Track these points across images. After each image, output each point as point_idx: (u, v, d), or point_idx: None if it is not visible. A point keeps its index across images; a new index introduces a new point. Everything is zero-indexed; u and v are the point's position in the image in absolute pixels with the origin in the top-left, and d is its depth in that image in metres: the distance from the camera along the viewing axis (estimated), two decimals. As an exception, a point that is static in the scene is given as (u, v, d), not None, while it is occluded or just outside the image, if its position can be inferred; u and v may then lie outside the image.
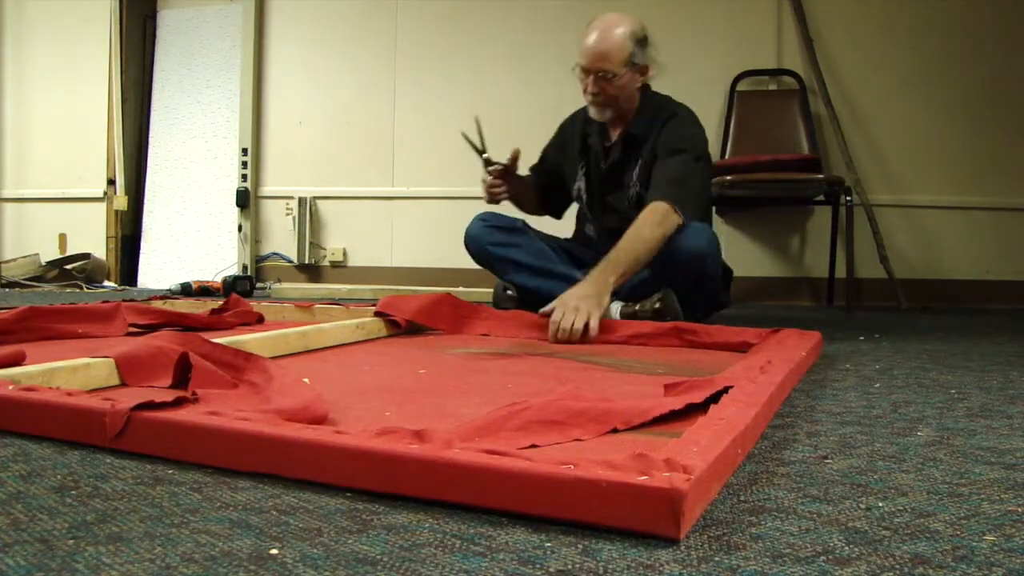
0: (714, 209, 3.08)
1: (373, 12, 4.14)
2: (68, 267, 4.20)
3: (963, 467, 0.81)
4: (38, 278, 4.10)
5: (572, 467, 0.62)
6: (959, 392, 1.25)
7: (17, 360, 1.15)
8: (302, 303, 2.28)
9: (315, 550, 0.56)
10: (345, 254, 4.19)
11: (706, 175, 2.27)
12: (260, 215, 4.30)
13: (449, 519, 0.63)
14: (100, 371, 1.13)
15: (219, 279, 3.66)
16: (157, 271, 4.41)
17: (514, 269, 2.22)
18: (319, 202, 4.21)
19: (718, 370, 1.20)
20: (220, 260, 4.32)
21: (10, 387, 0.93)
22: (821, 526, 0.62)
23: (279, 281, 4.00)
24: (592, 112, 2.19)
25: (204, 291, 3.43)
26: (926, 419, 1.04)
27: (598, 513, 0.60)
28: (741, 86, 3.63)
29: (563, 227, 2.49)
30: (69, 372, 1.08)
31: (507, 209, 2.34)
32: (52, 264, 4.21)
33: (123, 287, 4.23)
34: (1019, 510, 0.67)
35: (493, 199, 2.27)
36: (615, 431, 0.88)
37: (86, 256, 4.28)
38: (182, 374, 1.09)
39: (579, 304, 1.80)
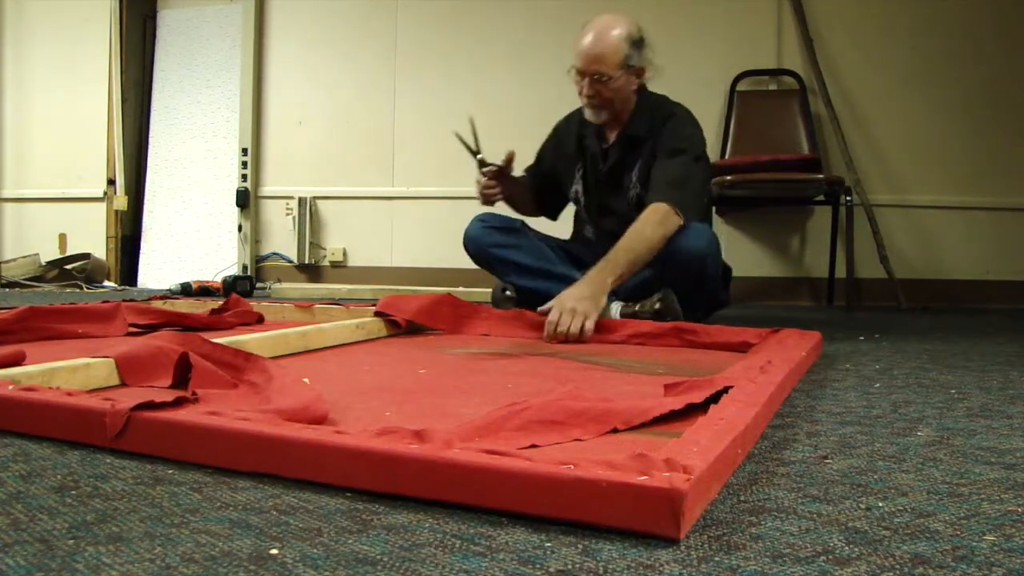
0: (714, 209, 3.08)
1: (373, 12, 4.14)
2: (68, 267, 4.20)
3: (963, 467, 0.81)
4: (38, 278, 4.10)
5: (572, 467, 0.62)
6: (959, 392, 1.25)
7: (17, 360, 1.15)
8: (302, 303, 2.28)
9: (315, 550, 0.56)
10: (345, 254, 4.19)
11: (706, 175, 2.27)
12: (260, 215, 4.30)
13: (449, 519, 0.63)
14: (100, 371, 1.13)
15: (219, 279, 3.66)
16: (157, 271, 4.41)
17: (513, 270, 2.21)
18: (319, 202, 4.21)
19: (718, 370, 1.20)
20: (220, 260, 4.32)
21: (10, 387, 0.93)
22: (821, 526, 0.62)
23: (279, 281, 4.00)
24: (588, 114, 2.18)
25: (204, 291, 3.43)
26: (926, 419, 1.04)
27: (598, 513, 0.60)
28: (741, 86, 3.63)
29: (561, 228, 2.49)
30: (69, 372, 1.08)
31: (502, 210, 2.34)
32: (52, 264, 4.21)
33: (123, 287, 4.23)
34: (1019, 510, 0.67)
35: (487, 200, 2.26)
36: (615, 431, 0.88)
37: (86, 256, 4.28)
38: (182, 374, 1.09)
39: (576, 305, 1.80)
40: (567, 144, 2.33)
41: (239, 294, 2.59)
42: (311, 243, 4.19)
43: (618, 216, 2.15)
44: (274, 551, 0.56)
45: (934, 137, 3.54)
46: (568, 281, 1.93)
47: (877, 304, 3.44)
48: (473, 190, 2.30)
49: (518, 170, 2.28)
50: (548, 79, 3.67)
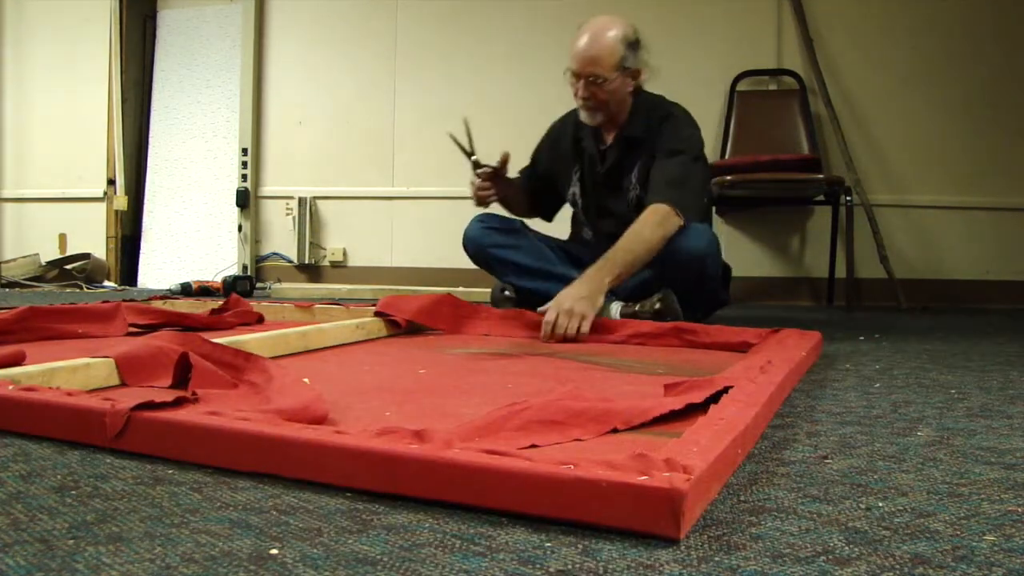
0: (714, 209, 3.08)
1: (373, 12, 4.14)
2: (68, 267, 4.20)
3: (963, 467, 0.81)
4: (38, 278, 4.10)
5: (572, 467, 0.62)
6: (959, 392, 1.25)
7: (17, 360, 1.15)
8: (302, 303, 2.28)
9: (315, 550, 0.56)
10: (345, 254, 4.19)
11: (705, 175, 2.26)
12: (260, 215, 4.30)
13: (449, 519, 0.63)
14: (100, 371, 1.13)
15: (219, 279, 3.66)
16: (157, 271, 4.41)
17: (513, 270, 2.21)
18: (319, 202, 4.21)
19: (718, 370, 1.20)
20: (220, 260, 4.32)
21: (10, 387, 0.93)
22: (821, 526, 0.62)
23: (279, 281, 4.00)
24: (583, 116, 2.17)
25: (204, 291, 3.43)
26: (926, 419, 1.04)
27: (598, 513, 0.60)
28: (741, 86, 3.63)
29: (560, 229, 2.49)
30: (69, 372, 1.08)
31: (497, 211, 2.33)
32: (52, 264, 4.21)
33: (123, 287, 4.23)
34: (1019, 510, 0.67)
35: (481, 202, 2.24)
36: (615, 431, 0.88)
37: (86, 256, 4.28)
38: (182, 374, 1.09)
39: (573, 306, 1.80)
40: (563, 146, 2.32)
41: (239, 294, 2.59)
42: (311, 243, 4.19)
43: (616, 218, 2.14)
44: (274, 551, 0.56)
45: (934, 137, 3.54)
46: (567, 281, 1.93)
47: (877, 304, 3.44)
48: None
49: (512, 171, 2.27)
50: (548, 79, 3.65)
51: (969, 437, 0.94)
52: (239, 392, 1.01)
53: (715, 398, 0.95)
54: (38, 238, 4.51)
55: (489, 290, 2.34)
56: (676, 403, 0.95)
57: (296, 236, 4.18)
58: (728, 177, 2.98)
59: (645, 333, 1.77)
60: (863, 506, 0.68)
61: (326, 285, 3.94)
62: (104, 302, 1.93)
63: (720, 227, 3.54)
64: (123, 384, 1.14)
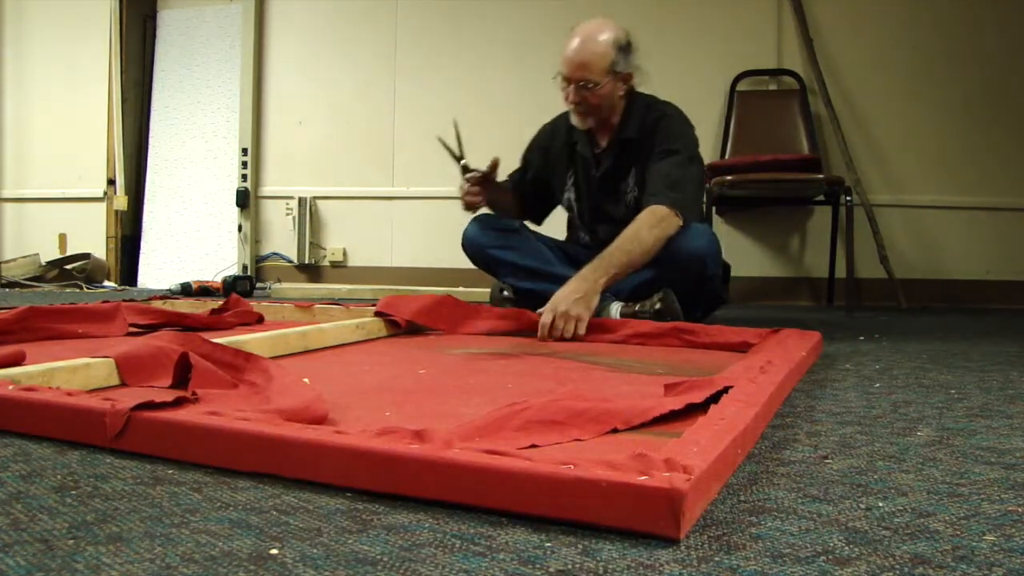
0: (714, 209, 3.08)
1: (373, 12, 4.14)
2: (68, 267, 4.20)
3: (963, 467, 0.81)
4: (38, 278, 4.10)
5: (572, 467, 0.62)
6: (959, 392, 1.25)
7: (17, 360, 1.15)
8: (302, 303, 2.28)
9: (315, 550, 0.56)
10: (345, 254, 4.19)
11: (700, 175, 2.26)
12: (260, 215, 4.30)
13: (449, 519, 0.63)
14: (100, 371, 1.13)
15: (219, 279, 3.66)
16: (157, 271, 4.41)
17: (512, 270, 2.20)
18: (319, 202, 4.21)
19: (718, 370, 1.20)
20: (220, 260, 4.32)
21: (10, 387, 0.93)
22: (821, 526, 0.62)
23: (279, 281, 4.00)
24: (574, 120, 2.16)
25: (204, 291, 3.43)
26: (926, 419, 1.04)
27: (598, 513, 0.60)
28: (741, 86, 3.63)
29: (558, 230, 2.48)
30: (69, 372, 1.08)
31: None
32: (52, 264, 4.21)
33: (123, 287, 4.23)
34: (1019, 510, 0.67)
35: (469, 207, 2.21)
36: (615, 431, 0.88)
37: (86, 256, 4.28)
38: (182, 374, 1.09)
39: (569, 309, 1.80)
40: (556, 150, 2.31)
41: (239, 294, 2.59)
42: (311, 243, 4.19)
43: (614, 222, 2.12)
44: (274, 551, 0.56)
45: (934, 137, 3.54)
46: (566, 282, 1.93)
47: (877, 304, 3.44)
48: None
49: (502, 175, 2.26)
50: (548, 79, 3.64)
51: (969, 437, 0.94)
52: (239, 392, 1.01)
53: (715, 398, 0.95)
54: (38, 238, 4.51)
55: (489, 290, 2.34)
56: (676, 403, 0.95)
57: (296, 236, 4.18)
58: (728, 177, 2.98)
59: (645, 333, 1.77)
60: (863, 506, 0.68)
61: (326, 285, 3.94)
62: (104, 302, 1.93)
63: (720, 227, 3.53)
64: (123, 384, 1.14)
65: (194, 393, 0.91)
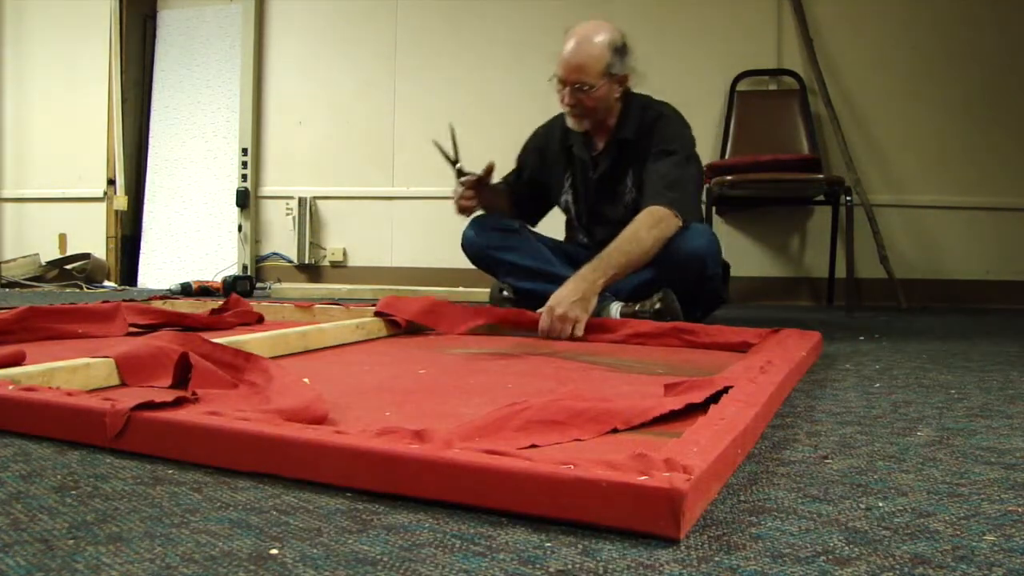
0: (714, 209, 3.08)
1: (373, 12, 4.14)
2: (68, 267, 4.20)
3: (963, 467, 0.81)
4: (38, 278, 4.10)
5: (572, 467, 0.62)
6: (959, 392, 1.25)
7: (17, 360, 1.15)
8: (302, 303, 2.28)
9: (315, 550, 0.56)
10: (345, 254, 4.19)
11: (698, 175, 2.25)
12: (260, 215, 4.30)
13: (449, 519, 0.63)
14: (100, 371, 1.13)
15: (219, 279, 3.66)
16: (157, 271, 4.41)
17: (512, 271, 2.20)
18: (319, 202, 4.21)
19: (718, 370, 1.20)
20: (220, 260, 4.32)
21: (10, 387, 0.93)
22: (821, 526, 0.62)
23: (279, 281, 4.00)
24: (570, 123, 2.15)
25: (204, 291, 3.43)
26: (926, 419, 1.04)
27: (598, 513, 0.60)
28: (741, 86, 3.63)
29: (556, 230, 2.48)
30: (69, 372, 1.08)
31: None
32: (52, 264, 4.21)
33: (123, 287, 4.23)
34: (1019, 510, 0.67)
35: (463, 211, 2.20)
36: (615, 431, 0.88)
37: (86, 256, 4.28)
38: (182, 374, 1.09)
39: (566, 311, 1.80)
40: (552, 152, 2.30)
41: (239, 294, 2.59)
42: (311, 243, 4.19)
43: (612, 223, 2.11)
44: (274, 551, 0.56)
45: (934, 137, 3.54)
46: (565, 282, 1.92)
47: (877, 304, 3.44)
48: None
49: (497, 178, 2.25)
50: (548, 79, 3.67)
51: (969, 437, 0.94)
52: (239, 392, 1.01)
53: (715, 398, 0.95)
54: (38, 238, 4.51)
55: (488, 290, 2.34)
56: (676, 403, 0.95)
57: (296, 236, 4.18)
58: (728, 177, 2.98)
59: (645, 333, 1.77)
60: (863, 506, 0.68)
61: (326, 285, 3.94)
62: (104, 302, 1.93)
63: (720, 227, 3.53)
64: (123, 384, 1.14)
65: (194, 393, 0.91)
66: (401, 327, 1.89)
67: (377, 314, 1.89)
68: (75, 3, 4.51)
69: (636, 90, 2.20)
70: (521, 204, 2.39)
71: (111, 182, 4.42)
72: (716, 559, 0.56)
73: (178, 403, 0.84)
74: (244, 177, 4.25)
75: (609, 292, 1.97)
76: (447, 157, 2.17)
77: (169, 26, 4.51)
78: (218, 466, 0.76)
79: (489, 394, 1.13)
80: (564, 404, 0.89)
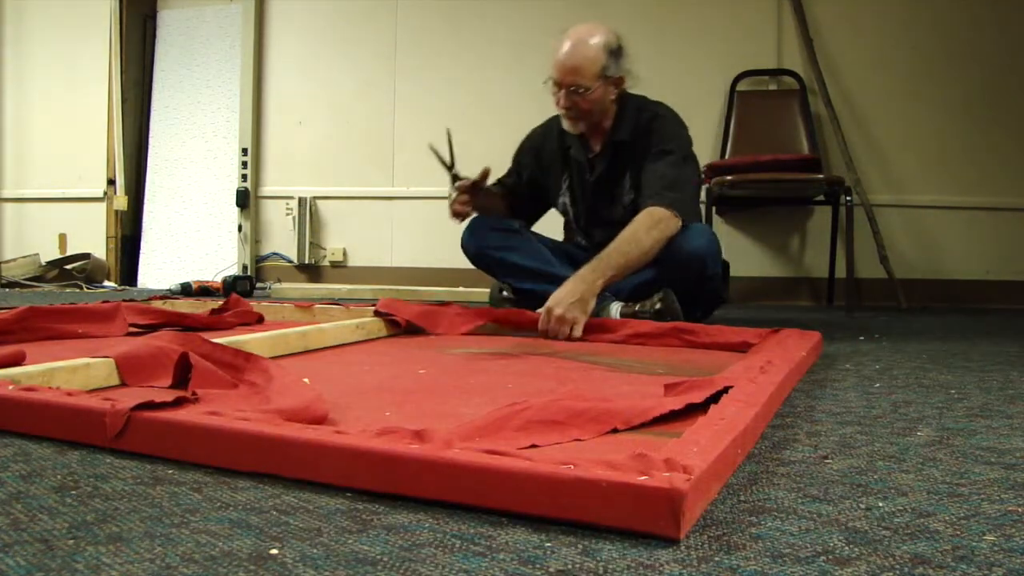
0: (714, 209, 3.08)
1: (373, 12, 4.14)
2: (68, 267, 4.20)
3: (963, 467, 0.81)
4: (38, 278, 4.10)
5: (572, 467, 0.62)
6: (959, 392, 1.25)
7: (17, 360, 1.15)
8: (302, 303, 2.28)
9: (315, 550, 0.56)
10: (345, 254, 4.19)
11: (696, 175, 2.25)
12: (260, 215, 4.30)
13: (449, 519, 0.63)
14: (100, 371, 1.13)
15: (219, 279, 3.66)
16: (157, 271, 4.41)
17: (512, 271, 2.20)
18: (319, 202, 4.21)
19: (718, 370, 1.20)
20: (220, 260, 4.32)
21: (10, 387, 0.93)
22: (821, 526, 0.62)
23: (279, 281, 4.00)
24: (566, 125, 2.15)
25: (204, 291, 3.43)
26: (926, 419, 1.04)
27: (598, 513, 0.60)
28: (741, 86, 3.63)
29: (555, 230, 2.48)
30: (69, 372, 1.08)
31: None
32: (52, 264, 4.21)
33: (123, 287, 4.23)
34: (1019, 510, 0.67)
35: (457, 215, 2.19)
36: (615, 431, 0.88)
37: (86, 256, 4.28)
38: (182, 374, 1.09)
39: (564, 313, 1.80)
40: (548, 154, 2.30)
41: (239, 294, 2.59)
42: (311, 243, 4.19)
43: (611, 225, 2.10)
44: (274, 551, 0.56)
45: (934, 137, 3.54)
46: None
47: (877, 304, 3.44)
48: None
49: (492, 180, 2.24)
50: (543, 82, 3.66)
51: (969, 437, 0.94)
52: (239, 392, 1.01)
53: (715, 398, 0.95)
54: (38, 238, 4.51)
55: (488, 290, 2.34)
56: (676, 403, 0.95)
57: (296, 236, 4.18)
58: (728, 177, 2.98)
59: (645, 333, 1.77)
60: (863, 506, 0.68)
61: (326, 285, 3.94)
62: (104, 302, 1.93)
63: (720, 227, 3.53)
64: (123, 384, 1.14)
65: (194, 393, 0.91)
66: (401, 327, 1.89)
67: (377, 314, 1.89)
68: (75, 3, 4.51)
69: (634, 91, 2.20)
70: (517, 206, 2.38)
71: (111, 182, 4.42)
72: (716, 559, 0.56)
73: (178, 403, 0.84)
74: (244, 177, 4.25)
75: (609, 292, 1.96)
76: (443, 163, 2.17)
77: (169, 26, 4.51)
78: (218, 466, 0.76)
79: (489, 394, 1.13)
80: (564, 404, 0.89)
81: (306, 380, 1.04)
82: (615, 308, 1.98)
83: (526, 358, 1.55)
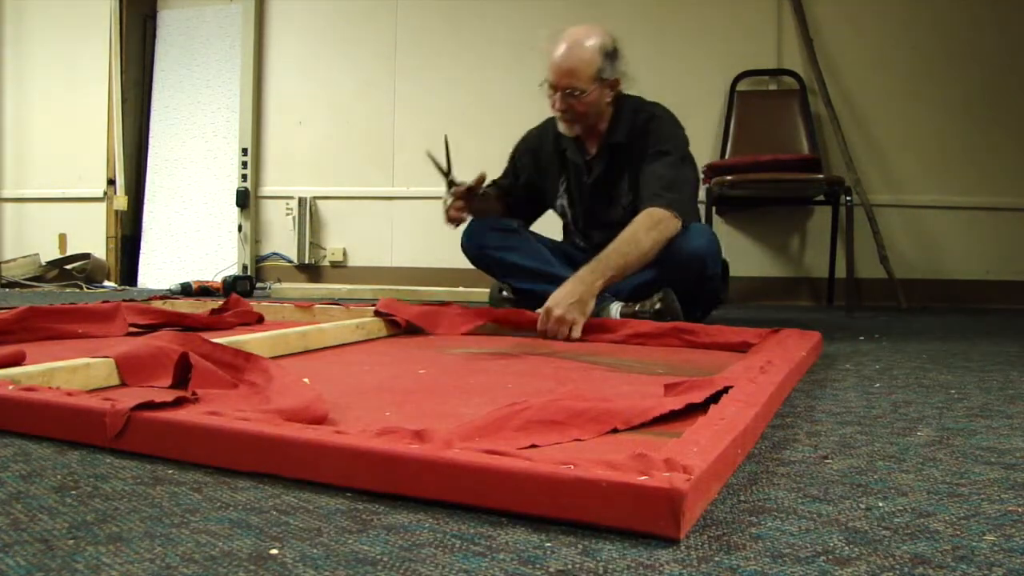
0: (714, 209, 3.08)
1: (373, 12, 4.14)
2: (68, 267, 4.20)
3: (963, 467, 0.81)
4: (38, 278, 4.10)
5: (572, 467, 0.62)
6: (959, 392, 1.25)
7: (17, 360, 1.15)
8: (302, 303, 2.28)
9: (315, 550, 0.56)
10: (345, 254, 4.19)
11: (693, 175, 2.25)
12: (260, 215, 4.30)
13: (449, 519, 0.63)
14: (100, 371, 1.13)
15: (219, 279, 3.66)
16: (157, 271, 4.41)
17: (512, 271, 2.20)
18: (319, 202, 4.21)
19: (718, 370, 1.20)
20: (220, 260, 4.32)
21: (10, 387, 0.93)
22: (821, 526, 0.62)
23: (279, 281, 4.00)
24: (561, 127, 2.14)
25: (204, 291, 3.43)
26: (926, 419, 1.04)
27: (598, 513, 0.60)
28: (741, 86, 3.62)
29: (554, 231, 2.48)
30: (69, 372, 1.08)
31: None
32: (52, 264, 4.21)
33: (123, 287, 4.23)
34: (1019, 510, 0.67)
35: (452, 221, 2.19)
36: (615, 431, 0.88)
37: (86, 256, 4.28)
38: (182, 374, 1.09)
39: (563, 313, 1.80)
40: (545, 157, 2.29)
41: (239, 294, 2.59)
42: (311, 243, 4.19)
43: (609, 226, 2.09)
44: (274, 551, 0.56)
45: (934, 137, 3.54)
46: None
47: (877, 304, 3.44)
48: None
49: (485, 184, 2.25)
50: (539, 84, 3.66)
51: (969, 437, 0.94)
52: (239, 392, 1.01)
53: (715, 398, 0.95)
54: (38, 238, 4.51)
55: (488, 290, 2.34)
56: (676, 403, 0.95)
57: (296, 236, 4.18)
58: (728, 177, 2.98)
59: (645, 333, 1.77)
60: (863, 506, 0.68)
61: (326, 285, 3.94)
62: (104, 302, 1.93)
63: (720, 227, 3.53)
64: (123, 384, 1.14)
65: (194, 393, 0.91)
66: (401, 327, 1.89)
67: (377, 314, 1.89)
68: (75, 3, 4.51)
69: (634, 91, 2.20)
70: (514, 207, 2.38)
71: (111, 182, 4.42)
72: (716, 559, 0.56)
73: (178, 403, 0.84)
74: (244, 177, 4.25)
75: (609, 292, 1.96)
76: (440, 169, 2.17)
77: (169, 26, 4.51)
78: (218, 466, 0.76)
79: (489, 394, 1.13)
80: (564, 404, 0.89)
81: (306, 380, 1.04)
82: (615, 308, 1.98)
83: (526, 358, 1.55)
